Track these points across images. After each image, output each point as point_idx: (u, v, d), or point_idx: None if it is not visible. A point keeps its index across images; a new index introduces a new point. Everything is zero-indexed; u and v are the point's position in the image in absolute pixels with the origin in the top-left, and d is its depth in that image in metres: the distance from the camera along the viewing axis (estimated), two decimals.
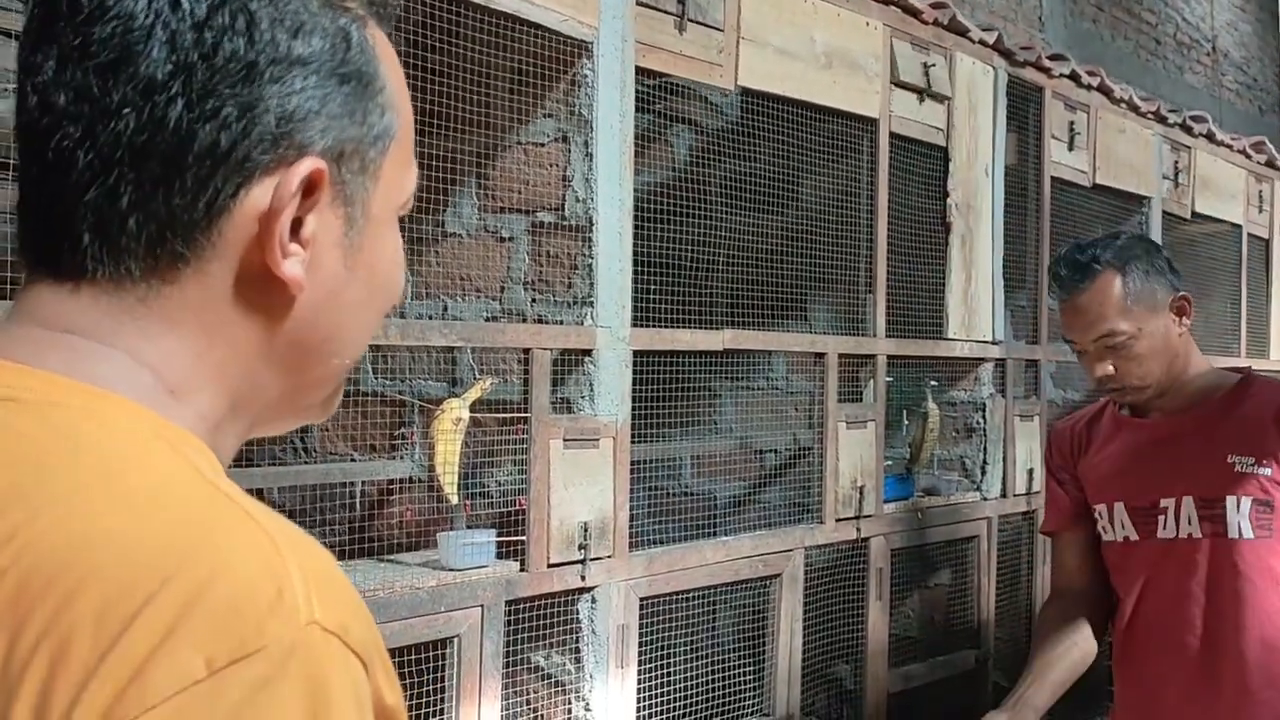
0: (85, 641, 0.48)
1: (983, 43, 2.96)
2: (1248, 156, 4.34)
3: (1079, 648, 2.04)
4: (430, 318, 2.29)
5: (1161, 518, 1.97)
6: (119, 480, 0.53)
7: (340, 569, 0.56)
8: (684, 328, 2.30)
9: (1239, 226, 4.28)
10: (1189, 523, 1.96)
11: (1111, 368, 1.91)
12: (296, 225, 0.59)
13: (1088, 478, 2.09)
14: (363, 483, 2.41)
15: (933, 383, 2.90)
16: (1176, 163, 3.86)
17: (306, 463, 2.51)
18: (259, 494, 2.35)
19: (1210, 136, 4.06)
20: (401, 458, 2.34)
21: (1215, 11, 7.50)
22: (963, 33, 2.88)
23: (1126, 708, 2.10)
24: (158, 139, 0.56)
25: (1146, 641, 2.02)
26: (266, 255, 0.58)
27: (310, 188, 0.58)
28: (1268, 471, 1.87)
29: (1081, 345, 1.97)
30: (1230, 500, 1.91)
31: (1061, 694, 2.02)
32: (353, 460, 2.47)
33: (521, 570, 1.98)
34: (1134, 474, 2.01)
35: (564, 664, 2.14)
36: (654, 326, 2.23)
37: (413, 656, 1.86)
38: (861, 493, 2.62)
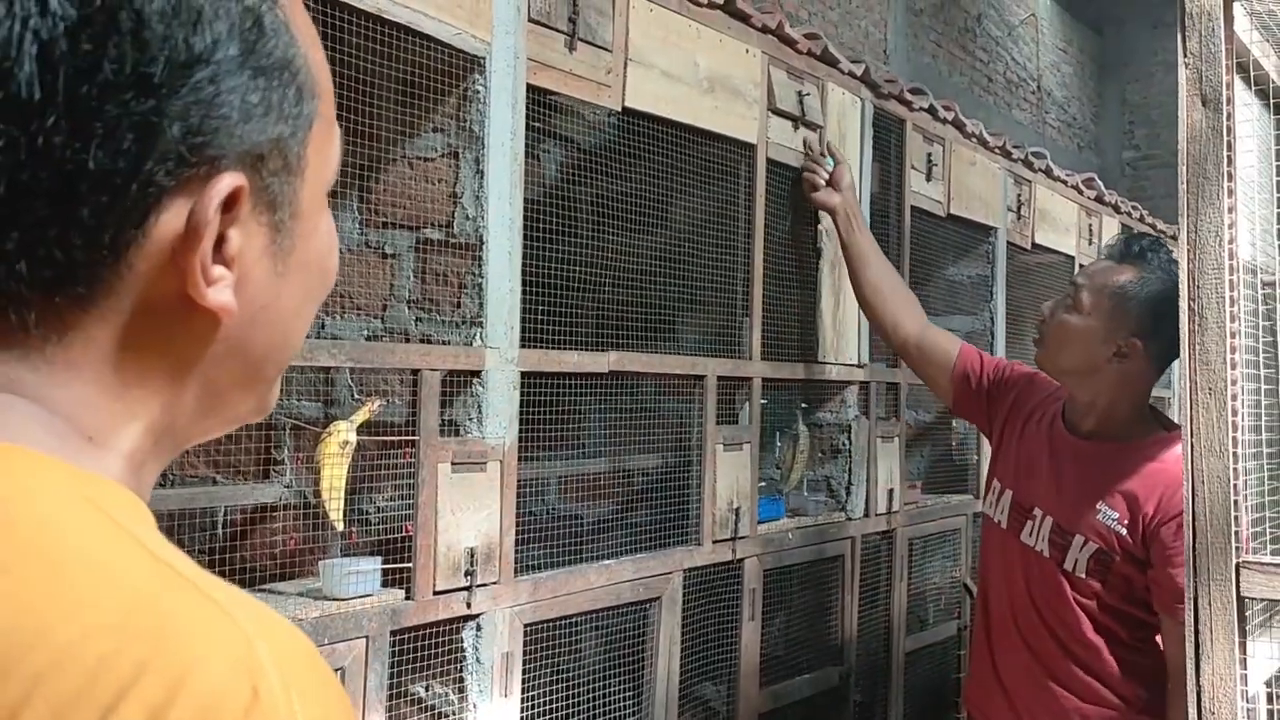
0: None
1: (851, 74, 3.04)
2: (1080, 192, 4.60)
3: (904, 297, 2.58)
4: (307, 336, 2.20)
5: (1029, 523, 2.15)
6: (53, 561, 0.45)
7: (311, 644, 0.50)
8: (569, 349, 2.28)
9: (1072, 257, 4.52)
10: (1043, 539, 2.12)
11: (1048, 310, 2.16)
12: (219, 244, 0.52)
13: (1003, 439, 2.34)
14: (226, 508, 2.29)
15: (803, 405, 2.95)
16: (1019, 196, 4.05)
17: (163, 486, 2.37)
18: None
19: (1048, 172, 4.28)
20: (273, 482, 2.24)
21: (1040, 53, 7.96)
22: (834, 64, 2.95)
23: (976, 677, 2.32)
24: (41, 174, 0.47)
25: (995, 627, 2.25)
26: (189, 287, 0.51)
27: (229, 203, 0.51)
28: (1123, 530, 2.02)
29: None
30: (1078, 539, 2.06)
31: (861, 258, 2.62)
32: (215, 484, 2.34)
33: (407, 598, 1.91)
34: (1031, 476, 2.19)
35: (446, 694, 2.07)
36: (541, 347, 2.19)
37: None
38: (737, 514, 2.65)
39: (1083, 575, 2.07)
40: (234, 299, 0.53)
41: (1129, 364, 2.07)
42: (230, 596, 0.48)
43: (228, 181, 0.51)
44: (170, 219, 0.50)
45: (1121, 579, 2.02)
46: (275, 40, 0.53)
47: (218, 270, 0.52)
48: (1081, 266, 2.24)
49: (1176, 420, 2.09)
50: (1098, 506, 2.05)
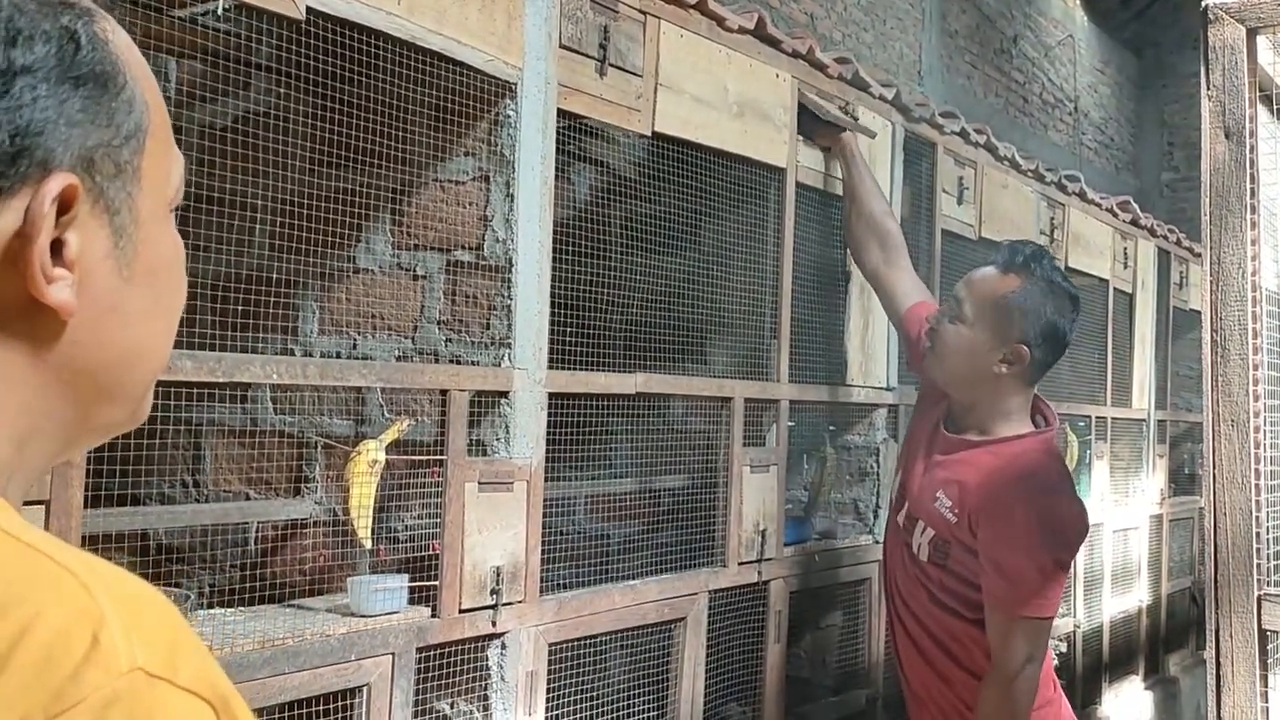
0: None
1: (882, 98, 3.05)
2: (1115, 215, 4.57)
3: (873, 231, 2.65)
4: (338, 355, 2.23)
5: (906, 505, 2.35)
6: None
7: (169, 606, 0.53)
8: (597, 370, 2.30)
9: (1106, 281, 4.50)
10: (903, 520, 2.24)
11: (933, 324, 2.22)
12: (58, 247, 0.56)
13: (915, 419, 2.48)
14: (258, 524, 2.32)
15: (830, 427, 2.95)
16: (1053, 219, 4.04)
17: (197, 500, 2.41)
18: (142, 535, 2.26)
19: (1082, 195, 4.26)
20: (304, 498, 2.27)
21: (1078, 74, 7.92)
22: (864, 88, 2.96)
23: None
24: None
25: (891, 602, 2.43)
26: (29, 284, 0.55)
27: (64, 204, 0.55)
28: (954, 519, 2.18)
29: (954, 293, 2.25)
30: (920, 525, 2.25)
31: (858, 189, 2.70)
32: (248, 499, 2.38)
33: (433, 616, 1.93)
34: (911, 461, 2.36)
35: (470, 712, 2.09)
36: (569, 369, 2.21)
37: (320, 707, 1.79)
38: (763, 536, 2.65)
39: (924, 559, 2.23)
40: (74, 298, 0.56)
41: (1015, 369, 2.16)
42: (82, 561, 0.52)
43: (59, 180, 0.55)
44: (7, 219, 0.54)
45: (958, 563, 2.16)
46: (92, 53, 0.57)
47: (58, 270, 0.56)
48: (966, 276, 2.26)
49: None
50: (937, 495, 2.18)
